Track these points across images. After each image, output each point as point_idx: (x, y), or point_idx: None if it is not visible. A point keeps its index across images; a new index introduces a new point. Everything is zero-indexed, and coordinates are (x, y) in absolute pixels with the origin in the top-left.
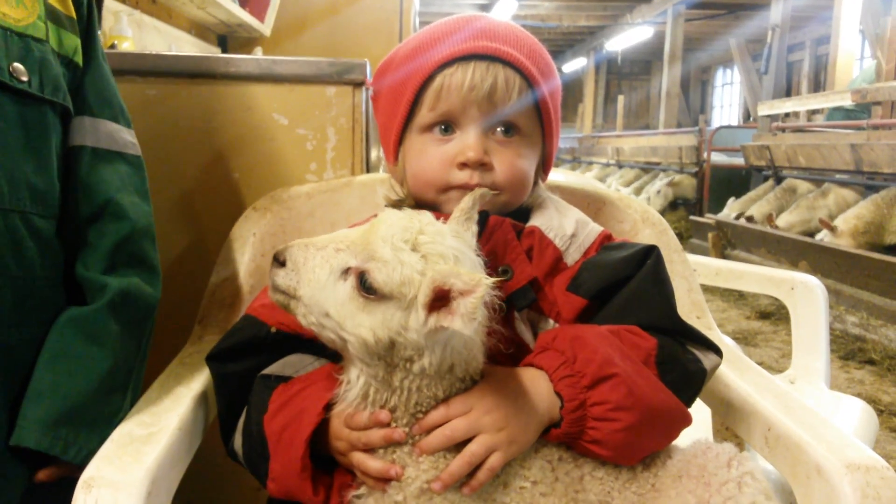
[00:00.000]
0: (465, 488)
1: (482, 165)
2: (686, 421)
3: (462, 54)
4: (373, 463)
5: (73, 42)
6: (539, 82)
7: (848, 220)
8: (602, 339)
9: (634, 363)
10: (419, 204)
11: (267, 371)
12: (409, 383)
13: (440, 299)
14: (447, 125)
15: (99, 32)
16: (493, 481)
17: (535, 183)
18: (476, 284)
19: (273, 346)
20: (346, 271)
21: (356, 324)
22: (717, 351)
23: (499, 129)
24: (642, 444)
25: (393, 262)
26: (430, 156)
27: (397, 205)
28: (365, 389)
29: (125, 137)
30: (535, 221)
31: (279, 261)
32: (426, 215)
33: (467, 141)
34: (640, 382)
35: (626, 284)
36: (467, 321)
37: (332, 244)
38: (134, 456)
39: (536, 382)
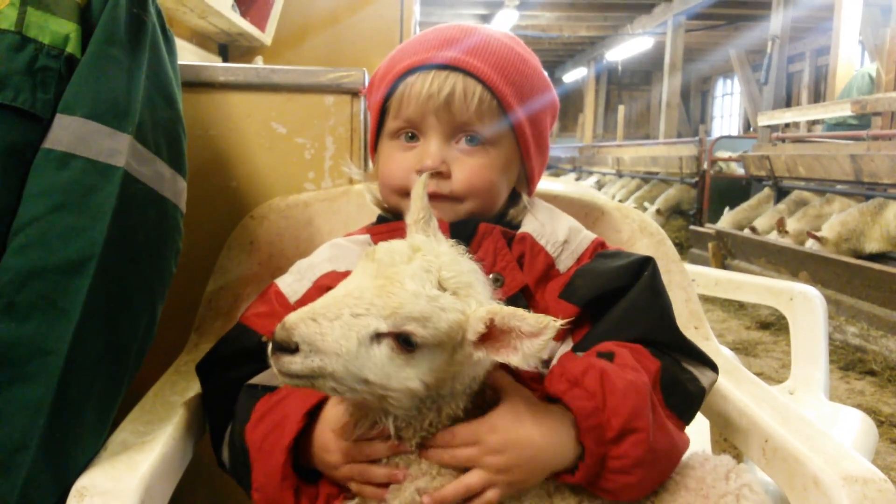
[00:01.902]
0: None
1: (439, 174)
2: (685, 449)
3: (421, 64)
4: (378, 470)
5: (65, 28)
6: (504, 91)
7: (833, 226)
8: (630, 386)
9: (656, 411)
10: (388, 207)
11: (254, 381)
12: (432, 404)
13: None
14: (413, 133)
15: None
16: None
17: (519, 195)
18: (544, 328)
19: (264, 356)
20: (378, 336)
21: (402, 379)
22: (713, 367)
23: (462, 139)
24: (649, 487)
25: (436, 315)
26: (395, 161)
27: (386, 211)
28: (395, 425)
29: (106, 143)
30: (526, 228)
31: (287, 348)
32: (421, 240)
33: (427, 149)
34: (659, 435)
35: (620, 295)
36: (530, 359)
37: (346, 309)
38: (127, 464)
39: (561, 429)
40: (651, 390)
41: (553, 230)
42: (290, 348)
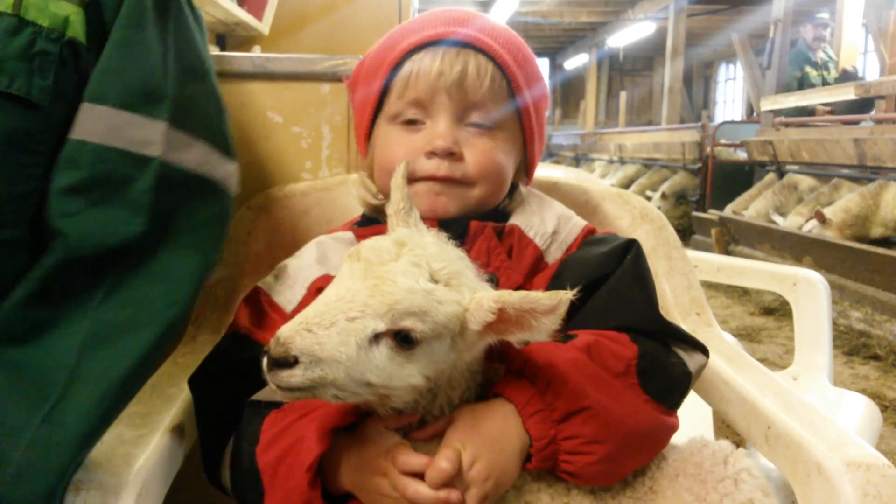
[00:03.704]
0: None
1: (451, 155)
2: (672, 430)
3: (430, 40)
4: (426, 493)
5: (65, 10)
6: (515, 73)
7: (836, 212)
8: (574, 365)
9: (609, 388)
10: (384, 198)
11: (256, 397)
12: (427, 393)
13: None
14: (415, 117)
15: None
16: None
17: (516, 185)
18: (558, 303)
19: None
20: (376, 337)
21: (404, 376)
22: (703, 350)
23: (473, 119)
24: (621, 469)
25: (433, 308)
26: (397, 144)
27: (373, 210)
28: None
29: (140, 133)
30: (515, 220)
31: (286, 362)
32: (404, 233)
33: (436, 129)
34: (616, 410)
35: (605, 282)
36: (544, 333)
37: (341, 315)
38: (124, 458)
39: (508, 420)
40: (593, 365)
41: (542, 221)
42: (289, 362)
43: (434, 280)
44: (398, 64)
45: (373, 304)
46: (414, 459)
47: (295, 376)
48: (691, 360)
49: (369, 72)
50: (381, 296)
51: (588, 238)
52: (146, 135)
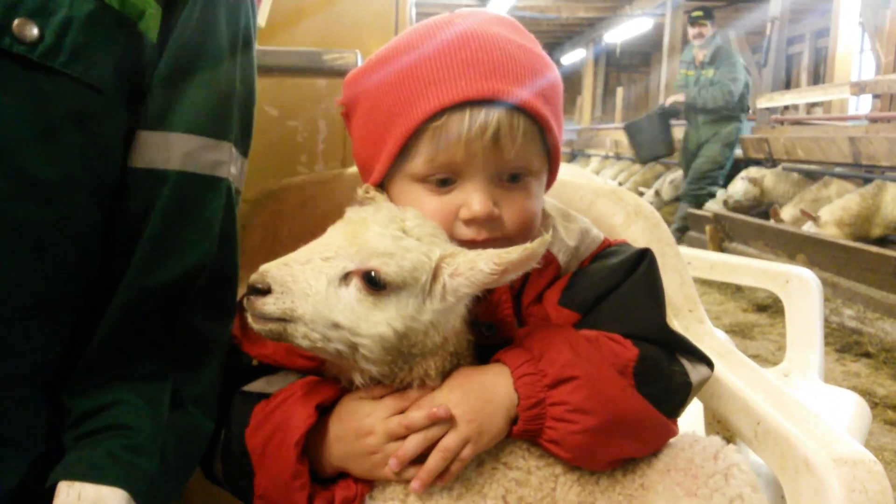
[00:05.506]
0: (439, 481)
1: (490, 220)
2: (668, 432)
3: (456, 102)
4: (417, 413)
5: (142, 4)
6: (547, 117)
7: (834, 210)
8: (573, 341)
9: (603, 368)
10: None
11: (248, 388)
12: (404, 364)
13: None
14: (446, 175)
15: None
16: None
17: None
18: (543, 243)
19: (261, 373)
20: (346, 276)
21: (372, 323)
22: (709, 363)
23: (507, 174)
24: (607, 449)
25: (399, 252)
26: (427, 206)
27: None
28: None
29: (212, 156)
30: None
31: (260, 289)
32: (388, 205)
33: (472, 194)
34: (607, 388)
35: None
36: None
37: (316, 255)
38: None
39: (499, 379)
40: (589, 346)
41: (566, 236)
42: (264, 290)
43: (406, 234)
44: (421, 124)
45: (346, 247)
46: (411, 393)
47: (268, 304)
48: (694, 372)
49: (380, 118)
50: (353, 238)
51: (601, 251)
52: (217, 157)
